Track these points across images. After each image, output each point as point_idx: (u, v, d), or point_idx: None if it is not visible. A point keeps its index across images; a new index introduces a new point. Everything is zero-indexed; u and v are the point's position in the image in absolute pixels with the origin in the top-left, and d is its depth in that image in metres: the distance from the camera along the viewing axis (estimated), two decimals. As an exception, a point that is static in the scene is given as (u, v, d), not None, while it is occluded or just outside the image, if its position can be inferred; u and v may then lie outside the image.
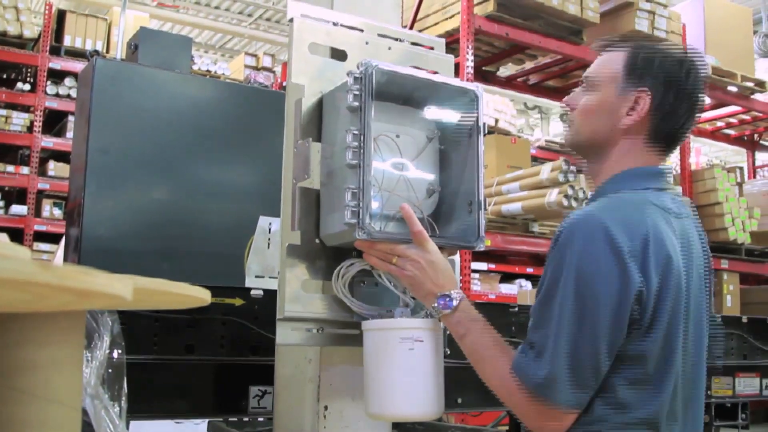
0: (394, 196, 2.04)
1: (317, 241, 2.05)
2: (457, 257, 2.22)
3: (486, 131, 2.13)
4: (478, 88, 2.13)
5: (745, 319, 4.97)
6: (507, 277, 8.57)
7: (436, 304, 1.87)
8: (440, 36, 6.31)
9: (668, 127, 1.87)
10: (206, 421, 3.32)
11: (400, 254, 1.91)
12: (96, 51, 9.28)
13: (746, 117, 9.29)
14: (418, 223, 1.91)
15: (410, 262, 1.90)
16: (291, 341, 2.01)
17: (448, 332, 1.97)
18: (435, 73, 2.29)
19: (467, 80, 5.70)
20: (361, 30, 2.22)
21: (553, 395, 1.66)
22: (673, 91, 1.84)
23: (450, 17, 6.22)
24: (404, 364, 1.86)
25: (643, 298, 1.65)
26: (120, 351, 1.84)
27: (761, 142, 10.31)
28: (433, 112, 2.19)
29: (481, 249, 2.10)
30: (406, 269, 1.90)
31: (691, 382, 1.79)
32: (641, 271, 1.64)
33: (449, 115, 2.18)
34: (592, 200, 1.87)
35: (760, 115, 8.86)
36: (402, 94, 2.11)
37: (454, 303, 1.86)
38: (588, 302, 1.64)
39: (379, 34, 2.25)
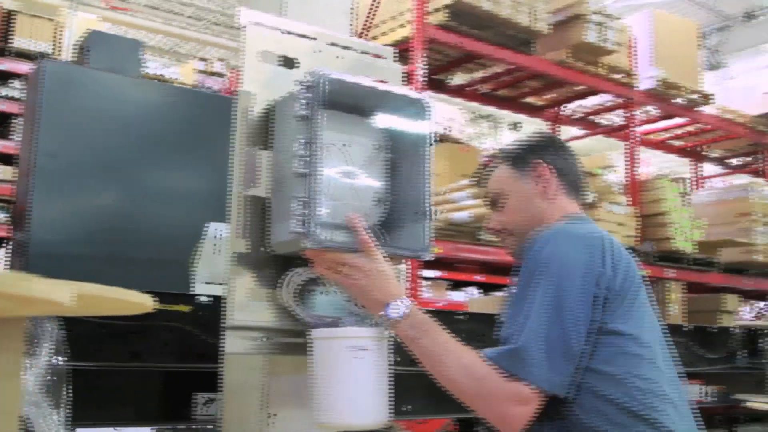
0: (342, 205, 2.04)
1: (265, 249, 2.04)
2: (407, 265, 2.24)
3: (436, 141, 2.14)
4: (428, 98, 2.14)
5: (688, 328, 5.05)
6: (456, 285, 8.61)
7: (384, 313, 1.87)
8: (392, 44, 6.33)
9: (573, 177, 2.18)
10: (152, 428, 3.29)
11: (347, 263, 1.92)
12: (44, 53, 9.14)
13: (692, 129, 9.44)
14: (365, 233, 1.93)
15: (357, 271, 1.91)
16: (238, 350, 2.00)
17: (395, 340, 1.99)
18: (382, 81, 2.30)
19: (419, 89, 5.72)
20: (312, 38, 2.22)
21: (526, 368, 1.73)
22: (556, 150, 2.18)
23: (402, 25, 6.24)
24: (351, 373, 1.87)
25: (604, 279, 1.83)
26: (63, 358, 1.83)
27: (706, 153, 10.49)
28: (382, 122, 2.20)
29: (429, 258, 2.12)
30: (353, 278, 1.91)
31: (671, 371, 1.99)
32: (604, 263, 1.85)
33: (399, 125, 2.19)
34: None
35: (706, 127, 9.01)
36: (352, 103, 2.12)
37: (403, 310, 1.87)
38: (559, 288, 1.80)
39: (329, 43, 2.26)
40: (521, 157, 2.17)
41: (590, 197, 2.69)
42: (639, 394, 1.81)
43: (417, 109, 2.15)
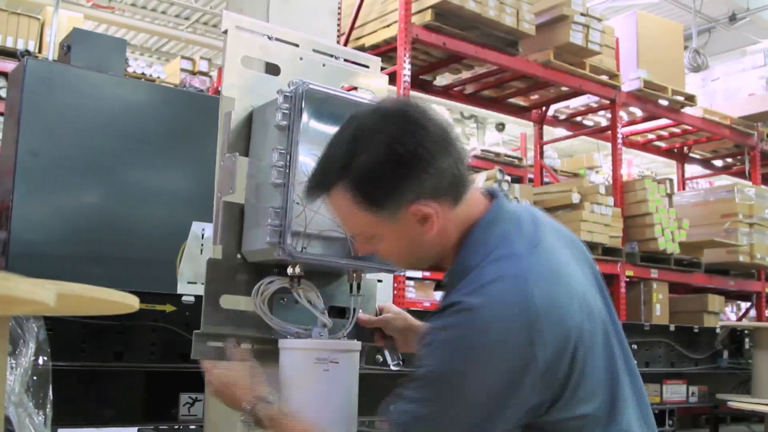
0: (319, 216, 2.03)
1: (239, 256, 2.03)
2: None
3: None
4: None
5: (672, 328, 5.07)
6: (441, 285, 8.60)
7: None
8: (378, 44, 6.34)
9: (450, 183, 1.62)
10: (136, 429, 3.28)
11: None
12: (27, 51, 9.09)
13: (676, 130, 9.49)
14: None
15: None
16: (207, 356, 1.99)
17: (365, 350, 2.00)
18: (353, 88, 2.28)
19: (404, 89, 5.72)
20: (296, 45, 2.20)
21: None
22: (421, 162, 1.56)
23: (388, 26, 6.24)
24: (318, 384, 1.86)
25: (544, 375, 1.50)
26: (46, 358, 1.81)
27: (690, 154, 10.54)
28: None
29: (402, 273, 2.11)
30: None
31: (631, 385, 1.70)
32: (543, 345, 1.49)
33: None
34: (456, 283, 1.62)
35: (690, 128, 9.05)
36: (332, 113, 2.10)
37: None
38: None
39: (314, 50, 2.24)
40: (379, 199, 1.59)
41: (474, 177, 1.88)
42: None
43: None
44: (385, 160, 1.56)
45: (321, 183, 1.65)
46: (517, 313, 1.49)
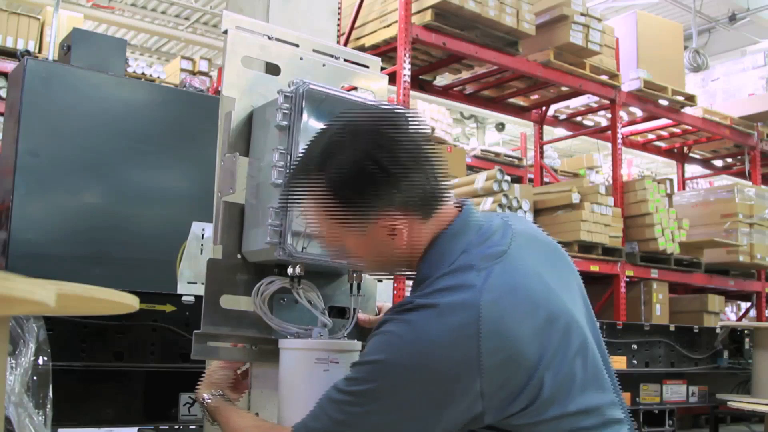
0: None
1: (239, 255, 2.03)
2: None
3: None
4: (409, 112, 2.12)
5: (672, 328, 5.07)
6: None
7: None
8: (378, 45, 6.33)
9: (421, 198, 1.64)
10: (136, 429, 3.28)
11: None
12: (27, 51, 9.09)
13: (676, 130, 9.49)
14: None
15: None
16: (206, 356, 1.99)
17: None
18: (353, 89, 2.28)
19: (404, 89, 5.72)
20: (296, 45, 2.20)
21: None
22: (389, 176, 1.58)
23: (388, 26, 6.24)
24: (318, 384, 1.85)
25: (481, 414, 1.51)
26: (46, 358, 1.81)
27: (690, 154, 10.54)
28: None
29: (402, 273, 2.12)
30: None
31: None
32: (481, 356, 1.48)
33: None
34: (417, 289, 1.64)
35: (690, 128, 9.05)
36: (332, 113, 2.09)
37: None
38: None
39: (314, 50, 2.24)
40: (347, 213, 1.62)
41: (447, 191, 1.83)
42: None
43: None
44: (354, 175, 1.59)
45: (292, 190, 1.72)
46: (465, 320, 1.49)
